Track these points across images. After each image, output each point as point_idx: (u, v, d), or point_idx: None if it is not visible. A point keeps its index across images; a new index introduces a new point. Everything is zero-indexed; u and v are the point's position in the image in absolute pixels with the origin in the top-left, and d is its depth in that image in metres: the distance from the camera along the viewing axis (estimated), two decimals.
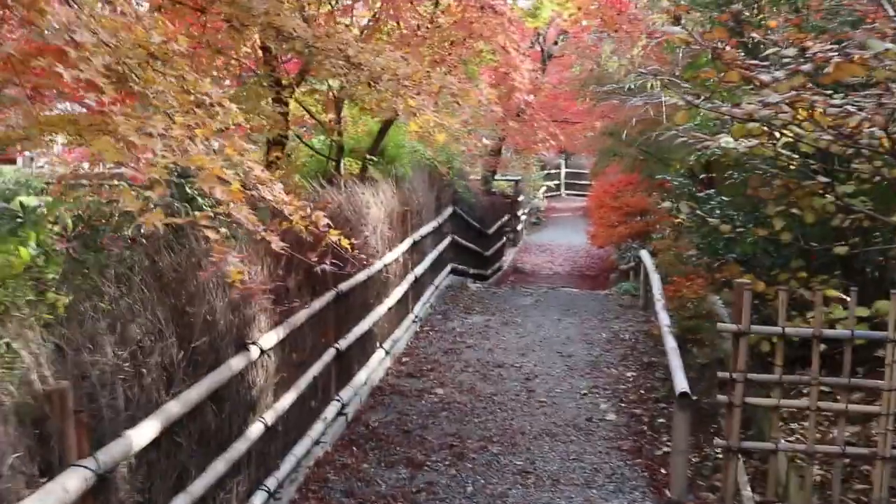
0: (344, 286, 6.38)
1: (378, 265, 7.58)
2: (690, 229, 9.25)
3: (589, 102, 14.40)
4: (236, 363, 4.29)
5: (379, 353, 7.62)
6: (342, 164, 9.26)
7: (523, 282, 17.60)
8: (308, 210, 3.45)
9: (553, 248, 23.55)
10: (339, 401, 6.27)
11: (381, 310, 7.65)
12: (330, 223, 3.64)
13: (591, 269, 20.02)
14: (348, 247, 3.70)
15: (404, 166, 10.55)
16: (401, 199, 8.94)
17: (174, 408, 3.57)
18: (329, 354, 6.07)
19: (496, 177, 21.55)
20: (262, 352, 4.64)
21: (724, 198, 9.31)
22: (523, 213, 25.24)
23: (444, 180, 11.68)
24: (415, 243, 9.30)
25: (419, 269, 9.56)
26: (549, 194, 33.10)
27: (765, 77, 5.25)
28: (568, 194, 35.11)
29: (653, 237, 16.04)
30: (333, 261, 4.60)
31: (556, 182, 34.91)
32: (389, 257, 8.05)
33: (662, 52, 9.52)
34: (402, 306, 8.85)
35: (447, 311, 10.45)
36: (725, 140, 5.82)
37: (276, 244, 3.12)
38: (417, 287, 9.61)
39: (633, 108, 11.41)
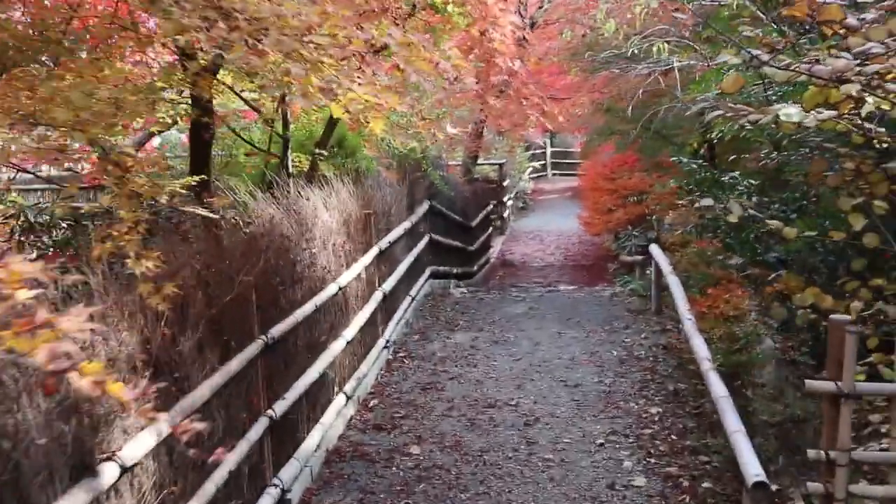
0: (277, 330, 4.75)
1: (331, 289, 5.95)
2: (712, 222, 7.69)
3: (579, 75, 12.76)
4: None
5: (338, 401, 6.01)
6: (289, 161, 7.61)
7: (513, 276, 16.00)
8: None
9: (543, 235, 21.91)
10: (277, 486, 4.64)
11: (338, 346, 6.02)
12: (70, 354, 1.85)
13: (586, 257, 18.40)
14: (121, 395, 2.03)
15: (368, 159, 8.92)
16: (362, 201, 7.30)
17: None
18: (260, 427, 4.45)
19: (479, 161, 19.91)
20: (125, 470, 3.01)
21: (751, 181, 7.75)
22: (510, 199, 23.59)
23: (417, 172, 10.04)
24: (382, 252, 7.66)
25: (389, 283, 7.93)
26: (535, 175, 31.45)
27: (852, 21, 3.66)
28: (554, 174, 33.44)
29: (652, 220, 14.49)
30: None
31: (542, 162, 33.24)
32: (348, 276, 6.42)
33: (679, 2, 7.88)
34: (370, 332, 7.23)
35: (426, 329, 8.83)
36: (785, 112, 4.19)
37: None
38: (388, 304, 7.98)
39: (634, 79, 9.79)
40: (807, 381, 3.52)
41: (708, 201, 4.42)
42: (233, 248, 4.52)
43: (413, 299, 9.37)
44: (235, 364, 4.10)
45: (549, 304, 10.23)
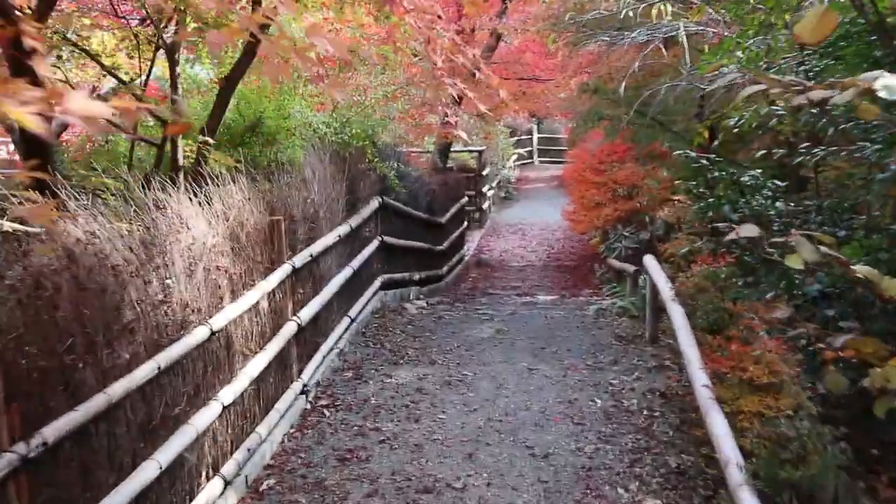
0: (57, 428, 2.98)
1: (197, 335, 4.19)
2: (722, 239, 5.95)
3: (561, 49, 10.97)
4: None
5: (208, 492, 4.24)
6: (179, 151, 5.81)
7: (488, 279, 14.27)
8: None
9: (525, 228, 20.22)
10: None
11: (207, 415, 4.25)
12: None
13: (571, 255, 16.71)
14: None
15: (293, 147, 7.12)
16: (266, 203, 5.54)
17: None
18: None
19: (455, 149, 18.15)
20: None
21: (777, 183, 6.02)
22: (490, 188, 21.84)
23: (362, 164, 8.27)
24: (297, 270, 5.89)
25: (310, 309, 6.16)
26: (521, 162, 29.67)
27: None
28: (541, 162, 31.72)
29: (645, 218, 12.78)
30: None
31: (528, 149, 31.45)
32: (231, 311, 4.65)
33: None
34: (276, 377, 5.48)
35: (363, 363, 7.05)
36: (885, 84, 2.40)
37: None
38: (310, 335, 6.23)
39: (627, 52, 8.04)
40: None
41: (752, 229, 2.67)
42: None
43: (353, 321, 7.61)
44: None
45: (522, 326, 8.48)
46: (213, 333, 4.37)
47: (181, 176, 5.67)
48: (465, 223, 16.78)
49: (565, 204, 17.31)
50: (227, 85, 5.41)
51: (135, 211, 4.23)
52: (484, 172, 20.26)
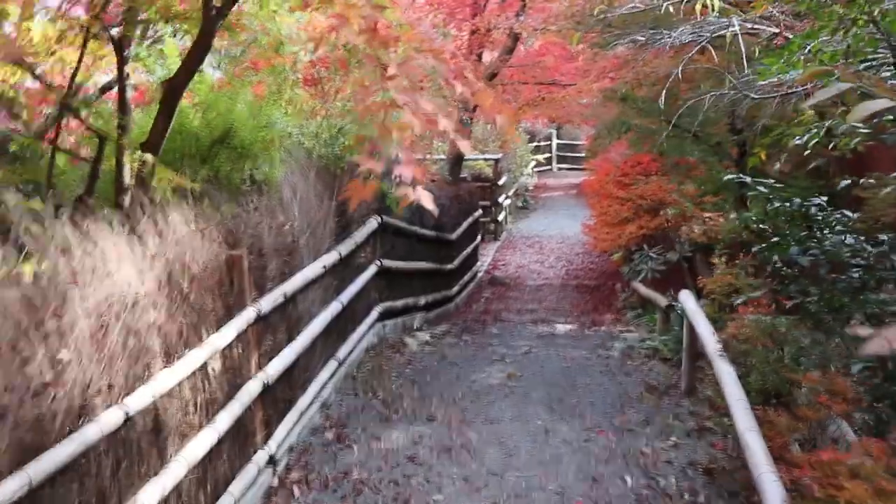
0: None
1: (105, 423, 3.16)
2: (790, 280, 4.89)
3: (585, 51, 9.90)
4: None
5: None
6: (124, 169, 4.79)
7: (501, 300, 13.18)
8: None
9: (543, 241, 19.12)
10: None
11: None
12: None
13: (591, 273, 15.61)
14: None
15: (272, 162, 6.09)
16: (225, 233, 4.52)
17: None
18: None
19: (471, 157, 17.19)
20: None
21: (847, 214, 4.93)
22: (507, 198, 20.77)
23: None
24: (264, 317, 4.86)
25: (281, 361, 5.11)
26: (539, 169, 28.54)
27: None
28: (560, 169, 30.67)
29: (671, 235, 11.68)
30: None
31: (547, 155, 30.35)
32: (162, 383, 3.62)
33: None
34: (232, 452, 4.45)
35: (350, 418, 6.00)
36: None
37: None
38: (279, 394, 5.19)
39: (665, 55, 6.97)
40: None
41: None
42: None
43: (341, 364, 6.58)
44: None
45: (538, 369, 7.39)
46: (128, 418, 3.34)
47: (126, 200, 4.68)
48: (479, 237, 15.76)
49: (585, 215, 16.23)
50: (171, 91, 4.37)
51: (25, 255, 3.23)
52: (500, 181, 19.21)
